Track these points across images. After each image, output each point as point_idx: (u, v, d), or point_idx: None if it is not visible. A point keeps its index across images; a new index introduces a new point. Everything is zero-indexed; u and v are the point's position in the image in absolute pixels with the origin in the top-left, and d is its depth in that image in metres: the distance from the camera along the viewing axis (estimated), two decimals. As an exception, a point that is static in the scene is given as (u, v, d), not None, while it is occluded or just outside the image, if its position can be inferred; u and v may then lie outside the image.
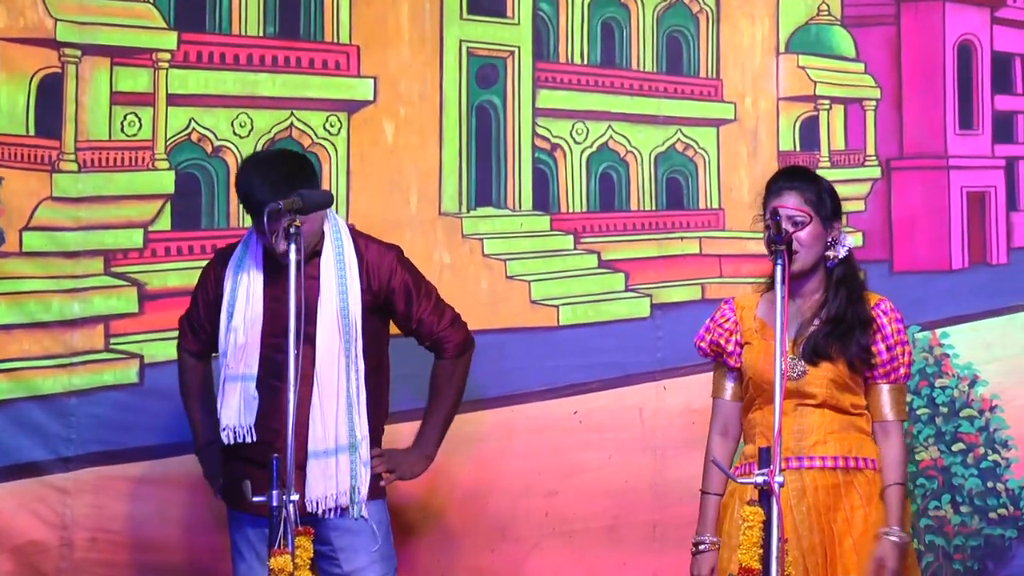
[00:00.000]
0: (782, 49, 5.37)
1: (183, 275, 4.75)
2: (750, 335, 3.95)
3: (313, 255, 4.05)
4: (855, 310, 3.88)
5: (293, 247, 3.67)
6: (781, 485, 3.43)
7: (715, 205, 5.34)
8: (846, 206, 3.99)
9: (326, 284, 4.04)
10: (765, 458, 3.44)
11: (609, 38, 5.28)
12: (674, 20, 5.33)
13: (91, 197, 4.75)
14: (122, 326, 4.76)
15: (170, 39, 4.82)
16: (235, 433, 4.04)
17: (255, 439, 4.02)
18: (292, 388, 3.63)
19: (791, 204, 3.85)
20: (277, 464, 3.58)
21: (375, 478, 4.12)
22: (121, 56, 4.77)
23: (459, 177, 5.11)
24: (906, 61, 5.41)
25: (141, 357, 4.77)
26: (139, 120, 4.80)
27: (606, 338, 5.18)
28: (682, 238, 5.29)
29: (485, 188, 5.15)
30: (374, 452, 4.12)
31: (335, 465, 4.02)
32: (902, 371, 3.91)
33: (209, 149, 4.89)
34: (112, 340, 4.76)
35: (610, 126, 5.28)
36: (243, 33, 4.92)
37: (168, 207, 4.84)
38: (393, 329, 4.23)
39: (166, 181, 4.84)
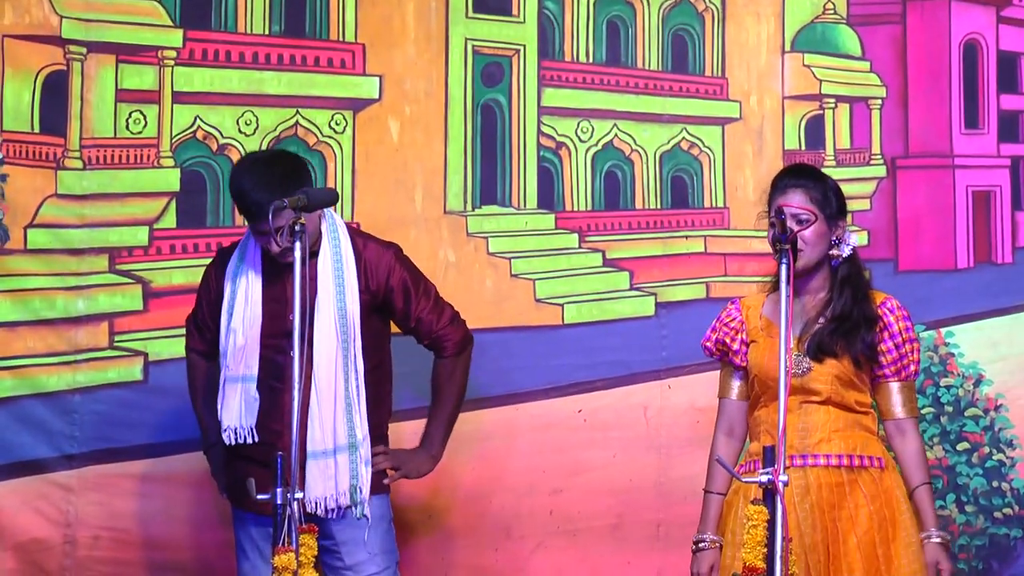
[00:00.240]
0: (788, 48, 5.36)
1: (188, 273, 4.75)
2: (756, 333, 3.95)
3: (310, 255, 4.04)
4: (861, 308, 3.87)
5: (298, 244, 3.67)
6: (785, 484, 3.42)
7: (720, 204, 5.33)
8: (851, 205, 3.99)
9: (324, 284, 4.03)
10: (769, 457, 3.44)
11: (614, 37, 5.28)
12: (679, 19, 5.33)
13: (96, 194, 4.75)
14: (126, 323, 4.77)
15: (176, 37, 4.83)
16: (236, 434, 4.04)
17: (256, 440, 4.03)
18: (297, 386, 3.63)
19: (796, 202, 3.84)
20: (282, 462, 3.58)
21: (378, 474, 4.12)
22: (127, 54, 4.78)
23: (464, 175, 5.11)
24: (912, 60, 5.40)
25: (145, 355, 4.78)
26: (144, 118, 4.81)
27: (611, 337, 5.18)
28: (687, 237, 5.29)
29: (490, 186, 5.15)
30: (378, 449, 4.12)
31: (334, 465, 4.02)
32: (912, 368, 3.90)
33: (214, 147, 4.89)
34: (116, 337, 4.77)
35: (615, 125, 5.28)
36: (249, 31, 4.92)
37: (173, 205, 4.84)
38: (392, 327, 4.23)
39: (171, 179, 4.84)
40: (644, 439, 5.16)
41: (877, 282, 4.01)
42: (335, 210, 4.15)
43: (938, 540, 3.82)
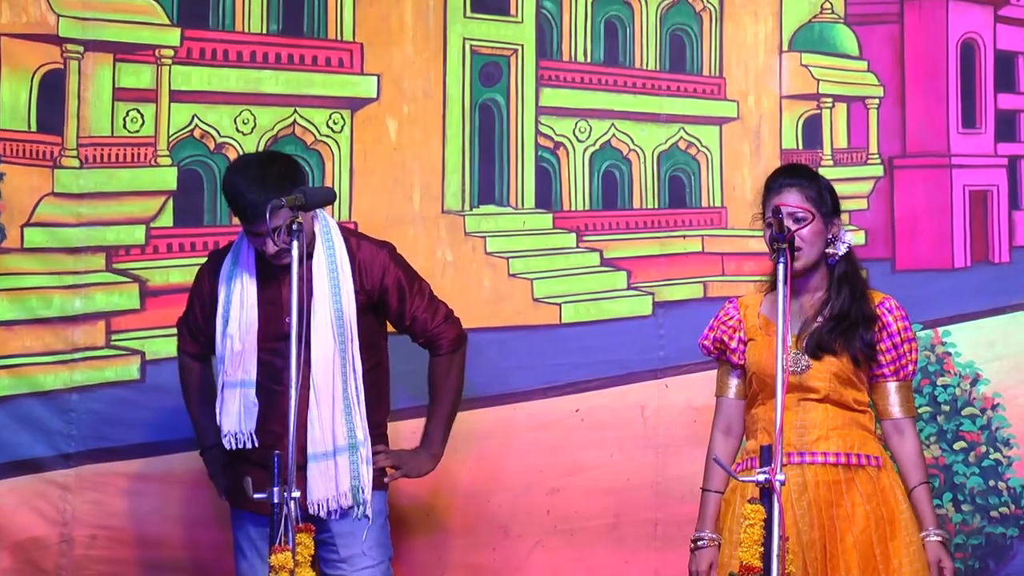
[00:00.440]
0: (785, 47, 5.36)
1: (185, 272, 4.75)
2: (754, 332, 3.96)
3: (306, 257, 4.03)
4: (859, 306, 3.88)
5: (296, 244, 3.67)
6: (782, 483, 3.43)
7: (717, 203, 5.33)
8: (849, 204, 4.00)
9: (319, 286, 4.03)
10: (766, 456, 3.44)
11: (612, 36, 5.28)
12: (677, 18, 5.33)
13: (93, 193, 4.75)
14: (123, 322, 4.77)
15: (173, 36, 4.83)
16: (236, 439, 4.04)
17: (256, 445, 4.02)
18: (294, 387, 3.63)
19: (793, 201, 3.85)
20: (278, 461, 3.58)
21: (377, 470, 4.12)
22: (124, 52, 4.78)
23: (462, 175, 5.11)
24: (909, 59, 5.40)
25: (142, 353, 4.78)
26: (141, 116, 4.81)
27: (608, 336, 5.17)
28: (684, 236, 5.29)
29: (488, 186, 5.14)
30: (377, 448, 4.12)
31: (334, 467, 4.02)
32: (910, 368, 3.91)
33: (212, 146, 4.89)
34: (113, 336, 4.77)
35: (613, 124, 5.28)
36: (246, 30, 4.92)
37: (170, 204, 4.84)
38: (387, 327, 4.23)
39: (168, 178, 4.84)
40: (641, 438, 5.16)
41: (874, 282, 4.01)
42: (329, 211, 4.15)
43: (938, 538, 3.83)
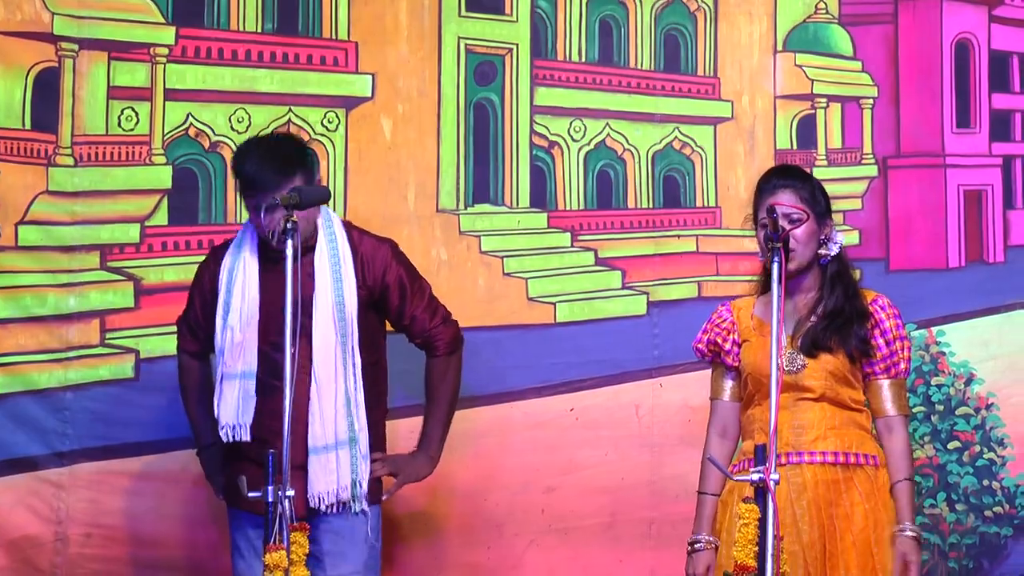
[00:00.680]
0: (780, 47, 5.37)
1: (180, 270, 4.75)
2: (748, 333, 3.96)
3: (307, 250, 4.04)
4: (852, 304, 3.89)
5: (290, 243, 3.67)
6: (776, 483, 3.43)
7: (712, 203, 5.34)
8: (843, 204, 4.02)
9: (321, 279, 4.03)
10: (761, 455, 3.45)
11: (607, 36, 5.29)
12: (672, 18, 5.33)
13: (87, 191, 4.75)
14: (118, 321, 4.77)
15: (168, 34, 4.82)
16: (233, 431, 4.03)
17: (252, 437, 4.01)
18: (288, 384, 3.63)
19: (787, 201, 3.85)
20: (272, 460, 3.58)
21: (374, 482, 4.11)
22: (119, 51, 4.77)
23: (457, 174, 5.11)
24: (903, 59, 5.41)
25: (137, 352, 4.77)
26: (136, 115, 4.80)
27: (603, 335, 5.18)
28: (679, 236, 5.29)
29: (483, 185, 5.15)
30: (376, 456, 4.11)
31: (336, 460, 4.00)
32: (902, 366, 3.91)
33: (207, 144, 4.89)
34: (108, 335, 4.76)
35: (608, 124, 5.29)
36: (241, 29, 4.92)
37: (165, 202, 4.84)
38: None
39: (163, 176, 4.84)
40: (636, 438, 5.16)
41: (868, 281, 4.03)
42: (331, 207, 4.15)
43: (910, 534, 3.81)
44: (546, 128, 5.22)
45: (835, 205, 4.00)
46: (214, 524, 4.57)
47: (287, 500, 3.59)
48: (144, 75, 4.81)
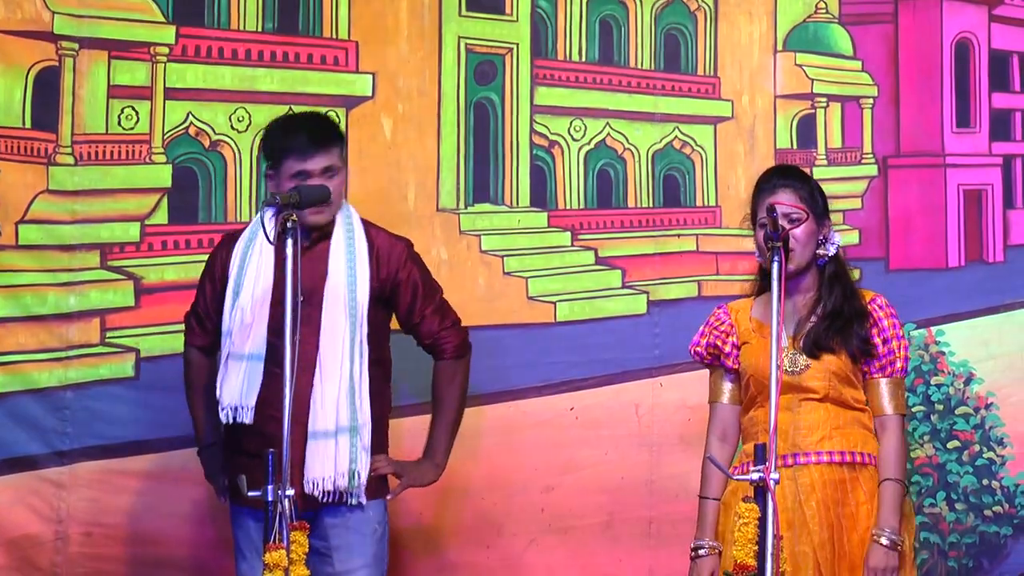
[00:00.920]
0: (780, 47, 5.37)
1: (180, 269, 4.75)
2: (747, 335, 3.96)
3: (323, 238, 4.05)
4: (851, 304, 3.89)
5: (289, 241, 3.67)
6: (776, 482, 3.43)
7: (712, 202, 5.34)
8: (843, 204, 4.01)
9: (335, 267, 4.03)
10: (761, 455, 3.45)
11: (607, 35, 5.29)
12: (672, 18, 5.33)
13: (88, 190, 4.75)
14: (118, 320, 4.77)
15: (168, 33, 4.82)
16: (235, 413, 4.00)
17: (252, 422, 3.99)
18: (288, 381, 3.63)
19: (787, 200, 3.85)
20: (272, 458, 3.57)
21: (378, 478, 4.10)
22: (119, 50, 4.77)
23: (457, 173, 5.11)
24: (903, 59, 5.41)
25: (137, 351, 4.77)
26: (136, 114, 4.80)
27: (603, 335, 5.18)
28: (679, 235, 5.30)
29: (483, 184, 5.15)
30: (379, 457, 4.10)
31: (335, 446, 3.98)
32: (899, 364, 3.91)
33: (207, 143, 4.89)
34: (108, 334, 4.76)
35: (608, 123, 5.29)
36: (242, 28, 4.92)
37: (165, 201, 4.84)
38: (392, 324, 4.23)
39: (163, 175, 4.84)
40: (636, 437, 5.16)
41: (868, 281, 4.04)
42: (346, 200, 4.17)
43: (885, 541, 3.77)
44: (546, 127, 5.22)
45: (835, 205, 4.01)
46: (214, 523, 4.57)
47: (287, 499, 3.58)
48: (144, 74, 4.81)
